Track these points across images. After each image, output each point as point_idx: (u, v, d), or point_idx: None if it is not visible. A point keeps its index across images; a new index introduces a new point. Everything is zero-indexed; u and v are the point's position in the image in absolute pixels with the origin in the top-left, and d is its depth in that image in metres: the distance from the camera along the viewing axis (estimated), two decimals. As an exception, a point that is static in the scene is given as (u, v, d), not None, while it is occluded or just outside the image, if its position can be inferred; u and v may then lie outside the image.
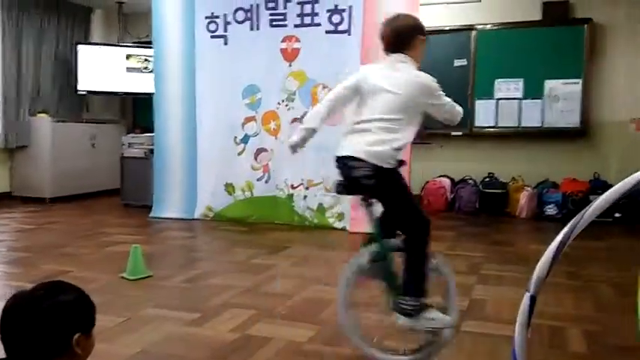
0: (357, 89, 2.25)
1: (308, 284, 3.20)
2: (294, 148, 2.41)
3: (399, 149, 2.14)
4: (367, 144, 2.11)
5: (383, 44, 2.30)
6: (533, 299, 1.20)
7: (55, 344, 1.16)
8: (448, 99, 2.32)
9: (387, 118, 2.12)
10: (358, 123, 2.20)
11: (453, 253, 4.03)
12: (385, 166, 2.10)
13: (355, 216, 4.85)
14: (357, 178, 2.12)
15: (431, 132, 5.99)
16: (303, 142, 2.39)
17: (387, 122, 2.12)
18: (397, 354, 2.20)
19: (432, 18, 5.99)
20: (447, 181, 6.11)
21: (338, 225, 4.96)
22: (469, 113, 6.09)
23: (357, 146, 2.14)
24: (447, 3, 5.91)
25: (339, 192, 2.29)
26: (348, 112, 2.34)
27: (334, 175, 5.09)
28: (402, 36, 2.28)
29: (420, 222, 2.20)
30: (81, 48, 6.94)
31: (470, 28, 6.11)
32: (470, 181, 6.03)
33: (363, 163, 2.10)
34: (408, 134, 2.18)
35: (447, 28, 6.17)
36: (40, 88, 6.81)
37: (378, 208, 2.26)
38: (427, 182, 6.07)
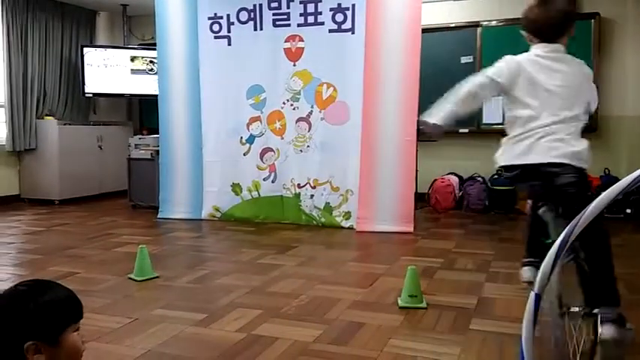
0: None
1: (315, 284, 3.19)
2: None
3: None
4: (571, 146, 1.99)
5: (537, 31, 2.18)
6: (538, 297, 1.18)
7: (3, 352, 1.11)
8: None
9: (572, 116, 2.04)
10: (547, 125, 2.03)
11: (462, 251, 4.00)
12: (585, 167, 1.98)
13: (362, 215, 4.83)
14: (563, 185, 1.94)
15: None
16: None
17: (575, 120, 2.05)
18: None
19: (436, 15, 5.97)
20: (455, 179, 6.07)
21: (345, 224, 4.93)
22: (477, 110, 6.05)
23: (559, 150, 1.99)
24: (452, 0, 5.87)
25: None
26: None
27: (340, 174, 5.09)
28: (568, 20, 2.17)
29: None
30: (86, 50, 6.97)
31: (475, 24, 6.07)
32: (478, 179, 5.99)
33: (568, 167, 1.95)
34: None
35: (452, 25, 6.14)
36: (46, 91, 6.84)
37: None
38: (435, 180, 6.03)
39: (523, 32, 2.27)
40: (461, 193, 5.97)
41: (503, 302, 2.84)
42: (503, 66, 2.15)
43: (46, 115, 6.76)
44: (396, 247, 4.30)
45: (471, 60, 6.09)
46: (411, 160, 4.80)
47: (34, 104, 6.65)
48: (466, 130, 6.09)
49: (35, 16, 6.65)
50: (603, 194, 1.11)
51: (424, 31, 4.82)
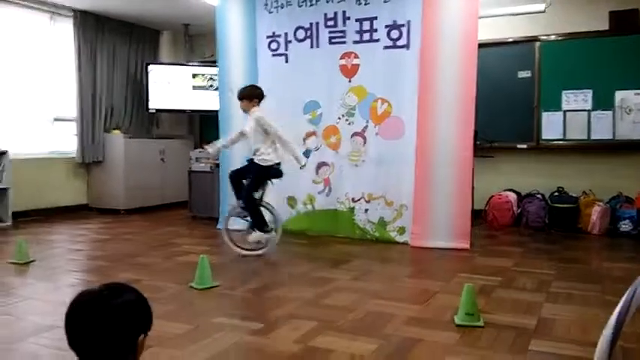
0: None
1: (369, 298, 3.21)
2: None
3: None
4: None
5: (260, 98, 4.45)
6: None
7: (124, 343, 1.16)
8: None
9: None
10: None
11: (521, 270, 3.92)
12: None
13: (416, 230, 4.82)
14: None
15: (494, 145, 5.91)
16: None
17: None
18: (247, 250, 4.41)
19: (493, 30, 5.91)
20: (512, 196, 5.94)
21: (399, 239, 4.93)
22: (535, 126, 5.92)
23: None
24: (509, 15, 5.79)
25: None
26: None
27: (394, 189, 5.11)
28: None
29: None
30: (151, 68, 7.31)
31: (533, 39, 5.97)
32: (538, 196, 5.84)
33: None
34: None
35: (510, 40, 6.06)
36: (113, 106, 7.22)
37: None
38: (492, 196, 5.93)
39: (254, 100, 4.38)
40: (519, 211, 5.84)
41: (564, 323, 2.77)
42: (255, 123, 4.23)
43: (113, 129, 7.12)
44: (451, 263, 4.25)
45: (529, 75, 5.99)
46: (468, 176, 4.76)
47: (102, 119, 7.03)
48: (524, 146, 5.97)
49: (104, 35, 7.05)
50: None
51: (480, 45, 4.78)
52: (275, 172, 4.36)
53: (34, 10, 6.38)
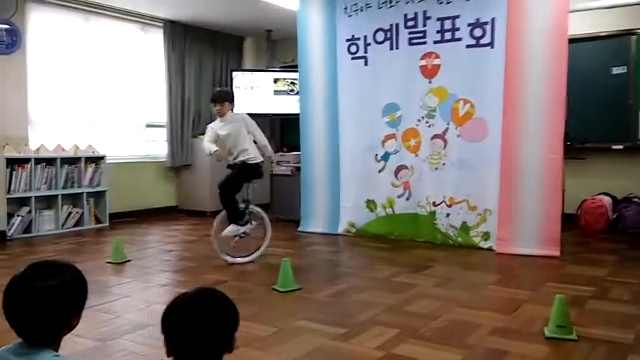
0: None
1: (452, 306, 3.14)
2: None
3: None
4: None
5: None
6: None
7: (223, 342, 1.25)
8: None
9: None
10: None
11: (616, 280, 3.68)
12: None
13: (502, 236, 4.65)
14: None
15: (586, 145, 5.59)
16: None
17: None
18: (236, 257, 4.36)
19: (584, 24, 5.58)
20: (607, 200, 5.58)
21: (483, 245, 4.77)
22: (631, 125, 5.53)
23: None
24: (602, 8, 5.43)
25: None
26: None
27: (477, 193, 4.96)
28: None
29: None
30: (235, 74, 7.57)
31: (629, 32, 5.57)
32: (635, 200, 5.45)
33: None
34: None
35: (603, 34, 5.69)
36: (200, 112, 7.55)
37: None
38: (584, 200, 5.60)
39: (232, 103, 4.43)
40: (615, 216, 5.47)
41: (667, 340, 2.57)
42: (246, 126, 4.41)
43: (200, 134, 7.43)
44: (540, 271, 4.07)
45: (625, 70, 5.60)
46: (557, 179, 4.52)
47: (190, 124, 7.38)
48: (620, 147, 5.58)
49: (191, 46, 7.38)
50: None
51: (570, 41, 4.53)
52: (260, 170, 4.42)
53: (127, 21, 6.80)
